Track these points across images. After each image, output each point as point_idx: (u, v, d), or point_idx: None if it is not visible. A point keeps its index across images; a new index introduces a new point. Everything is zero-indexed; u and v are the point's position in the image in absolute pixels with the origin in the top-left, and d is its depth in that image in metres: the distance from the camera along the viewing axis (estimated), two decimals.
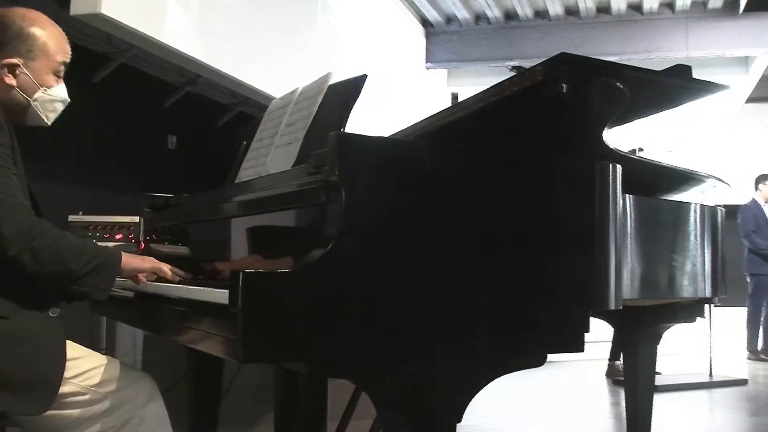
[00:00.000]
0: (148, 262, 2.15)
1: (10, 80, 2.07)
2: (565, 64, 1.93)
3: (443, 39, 9.78)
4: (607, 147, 2.26)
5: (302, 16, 6.68)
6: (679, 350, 8.01)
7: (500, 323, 1.71)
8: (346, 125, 2.05)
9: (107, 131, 5.58)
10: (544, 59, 1.95)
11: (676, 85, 2.22)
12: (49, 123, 2.18)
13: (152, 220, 2.88)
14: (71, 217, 3.65)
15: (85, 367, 2.06)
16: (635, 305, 2.97)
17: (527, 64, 9.65)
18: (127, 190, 5.55)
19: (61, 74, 2.17)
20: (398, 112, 8.67)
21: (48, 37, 2.12)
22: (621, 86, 2.07)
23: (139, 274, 2.14)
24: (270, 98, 5.64)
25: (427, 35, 9.83)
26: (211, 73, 5.43)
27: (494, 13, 9.28)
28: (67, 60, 2.18)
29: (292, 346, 1.51)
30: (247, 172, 2.47)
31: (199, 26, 5.07)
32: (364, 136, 1.63)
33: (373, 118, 7.75)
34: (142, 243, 3.02)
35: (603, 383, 6.83)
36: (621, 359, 6.75)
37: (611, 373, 6.96)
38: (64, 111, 2.21)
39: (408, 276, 1.60)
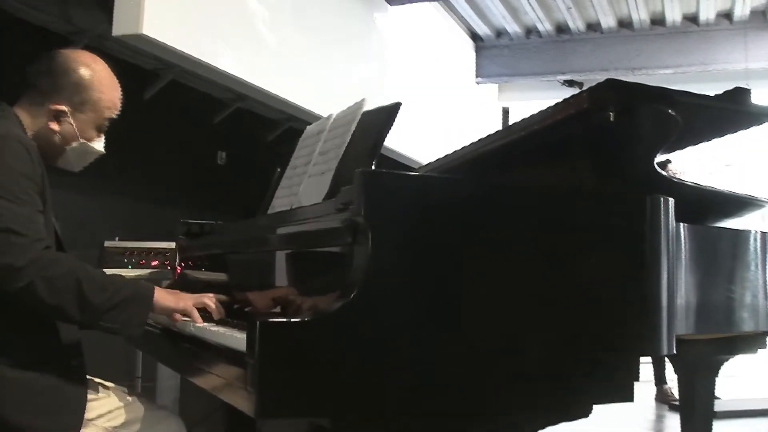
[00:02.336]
0: (182, 302, 1.98)
1: (54, 125, 2.03)
2: (612, 90, 1.81)
3: (493, 53, 9.66)
4: (660, 175, 2.12)
5: (351, 33, 6.63)
6: (740, 372, 7.71)
7: (542, 375, 1.59)
8: (378, 155, 1.95)
9: (157, 147, 5.61)
10: (591, 86, 1.82)
11: (733, 111, 2.08)
12: (77, 170, 2.14)
13: (187, 248, 2.83)
14: (107, 243, 3.61)
15: (107, 407, 2.00)
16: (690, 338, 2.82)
17: (580, 77, 9.50)
18: (177, 205, 5.57)
19: (105, 129, 2.14)
20: (449, 127, 8.59)
21: (103, 92, 2.08)
22: (673, 113, 1.94)
23: (173, 314, 1.99)
24: (315, 116, 5.64)
25: (477, 49, 9.72)
26: (256, 92, 5.39)
27: (545, 26, 9.13)
28: (114, 116, 2.14)
29: (312, 401, 1.41)
30: (280, 201, 2.41)
31: (244, 45, 5.04)
32: (393, 173, 1.53)
33: (424, 133, 7.71)
34: (178, 268, 2.97)
35: (650, 406, 6.56)
36: (669, 382, 6.52)
37: (661, 398, 6.69)
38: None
39: (439, 327, 1.49)
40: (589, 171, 2.07)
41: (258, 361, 1.38)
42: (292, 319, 1.42)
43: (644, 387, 6.80)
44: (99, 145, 2.13)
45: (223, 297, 2.10)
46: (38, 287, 1.73)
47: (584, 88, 9.32)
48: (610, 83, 1.81)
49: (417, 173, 1.65)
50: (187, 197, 5.85)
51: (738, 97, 2.05)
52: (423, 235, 1.52)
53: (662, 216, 1.79)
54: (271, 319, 1.41)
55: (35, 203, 1.85)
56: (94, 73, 2.07)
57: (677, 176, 6.10)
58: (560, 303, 1.64)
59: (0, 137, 1.85)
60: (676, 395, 3.59)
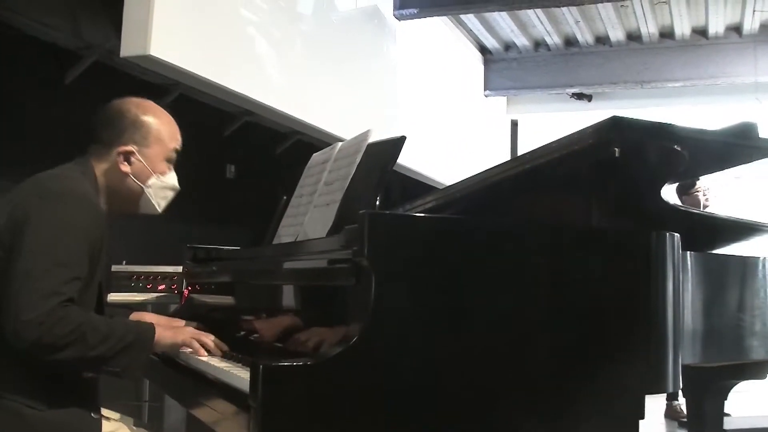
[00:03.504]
0: (181, 336, 2.05)
1: (126, 168, 2.08)
2: (617, 127, 1.80)
3: (502, 66, 9.64)
4: (665, 208, 2.12)
5: (360, 48, 6.63)
6: (751, 388, 7.59)
7: (547, 417, 1.58)
8: (383, 190, 1.95)
9: None
10: (595, 123, 1.81)
11: (740, 145, 2.07)
12: (160, 210, 2.18)
13: (193, 273, 2.83)
14: (114, 267, 3.61)
15: None
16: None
17: (588, 90, 9.48)
18: (185, 219, 5.55)
19: (173, 162, 2.19)
20: (458, 140, 8.59)
21: (162, 125, 2.14)
22: (678, 148, 1.93)
23: (178, 347, 2.05)
24: (326, 133, 5.64)
25: (486, 62, 9.70)
26: (264, 110, 5.39)
27: (554, 39, 9.11)
28: (179, 148, 2.19)
29: None
30: (286, 230, 2.42)
31: (251, 64, 5.05)
32: (397, 215, 1.54)
33: (433, 147, 7.70)
34: (185, 292, 2.97)
35: (660, 423, 6.48)
36: (680, 398, 6.44)
37: (671, 414, 6.62)
38: None
39: (444, 372, 1.49)
40: (594, 207, 2.06)
41: (260, 404, 1.38)
42: (295, 363, 1.41)
43: (654, 402, 6.72)
44: (173, 179, 2.19)
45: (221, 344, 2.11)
46: (45, 346, 1.73)
47: (592, 101, 9.32)
48: (615, 121, 1.80)
49: (422, 215, 1.64)
50: (196, 211, 5.82)
51: (745, 132, 2.04)
52: (427, 277, 1.51)
53: (667, 252, 1.79)
54: (273, 363, 1.40)
55: (75, 267, 1.84)
56: (147, 109, 2.14)
57: (705, 193, 6.12)
58: (565, 342, 1.64)
59: (71, 192, 1.91)
60: (686, 411, 3.57)
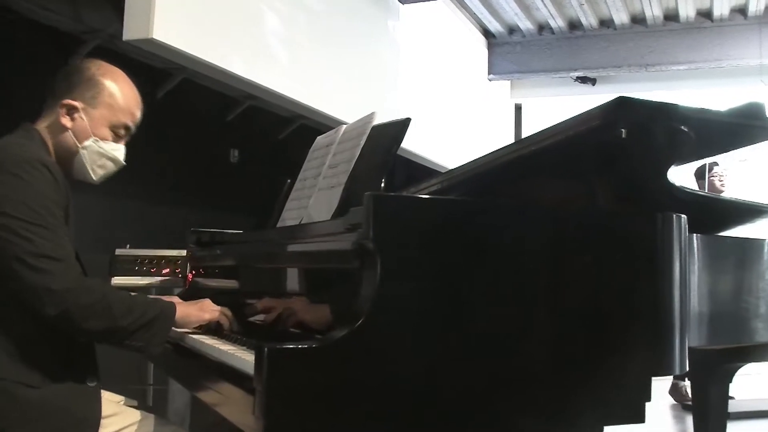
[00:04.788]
0: (208, 313, 2.05)
1: (66, 121, 1.99)
2: (623, 108, 1.78)
3: (506, 50, 9.60)
4: (671, 190, 2.10)
5: (364, 33, 6.60)
6: (755, 370, 7.58)
7: (552, 399, 1.58)
8: (387, 172, 1.94)
9: (170, 146, 5.60)
10: (602, 103, 1.80)
11: (747, 125, 2.05)
12: (95, 179, 2.07)
13: (197, 257, 2.83)
14: (118, 251, 3.61)
15: (118, 425, 2.01)
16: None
17: (592, 74, 9.43)
18: (189, 204, 5.58)
19: (122, 134, 2.08)
20: (462, 125, 8.57)
21: (117, 91, 2.04)
22: (685, 129, 1.91)
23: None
24: (329, 117, 5.63)
25: (489, 46, 9.66)
26: (268, 94, 5.37)
27: (557, 23, 9.06)
28: (131, 125, 2.09)
29: (320, 426, 1.40)
30: (290, 213, 2.41)
31: (254, 48, 5.02)
32: (403, 196, 1.52)
33: (437, 131, 7.69)
34: (189, 275, 2.97)
35: (666, 403, 6.47)
36: (686, 380, 6.41)
37: (675, 395, 6.60)
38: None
39: (449, 355, 1.48)
40: (600, 188, 2.05)
41: (265, 386, 1.38)
42: (300, 345, 1.41)
43: (659, 382, 6.65)
44: (116, 150, 2.07)
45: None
46: (73, 315, 1.75)
47: (596, 85, 9.27)
48: (622, 101, 1.78)
49: (428, 196, 1.63)
50: (200, 196, 5.85)
51: (752, 112, 2.02)
52: (433, 259, 1.50)
53: (674, 233, 1.77)
54: (278, 346, 1.40)
55: (64, 228, 1.85)
56: (107, 72, 2.06)
57: (720, 179, 6.17)
58: (572, 325, 1.63)
59: (26, 161, 1.84)
60: (691, 395, 3.57)
